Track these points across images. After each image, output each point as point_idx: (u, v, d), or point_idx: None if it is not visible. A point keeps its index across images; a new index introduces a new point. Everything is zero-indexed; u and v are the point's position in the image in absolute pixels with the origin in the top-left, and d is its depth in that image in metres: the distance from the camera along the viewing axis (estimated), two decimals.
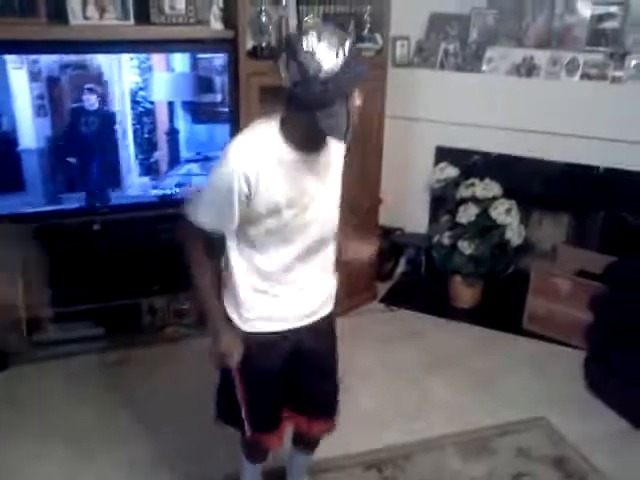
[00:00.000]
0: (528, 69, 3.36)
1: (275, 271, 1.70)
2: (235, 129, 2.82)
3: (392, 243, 3.87)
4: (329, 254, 1.80)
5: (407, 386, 2.92)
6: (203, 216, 1.62)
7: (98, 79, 2.80)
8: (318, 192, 1.65)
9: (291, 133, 1.55)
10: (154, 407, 2.73)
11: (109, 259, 3.07)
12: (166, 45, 2.83)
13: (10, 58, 2.62)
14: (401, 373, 3.01)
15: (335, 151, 1.69)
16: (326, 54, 1.39)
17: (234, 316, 1.77)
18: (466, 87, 3.54)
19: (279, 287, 1.73)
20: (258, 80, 2.84)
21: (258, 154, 1.54)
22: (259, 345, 1.76)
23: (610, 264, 2.89)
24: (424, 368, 3.06)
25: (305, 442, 2.10)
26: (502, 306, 3.58)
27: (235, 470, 2.22)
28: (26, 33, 2.59)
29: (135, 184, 3.02)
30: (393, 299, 3.72)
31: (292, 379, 1.87)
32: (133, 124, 2.91)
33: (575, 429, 2.63)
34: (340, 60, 1.40)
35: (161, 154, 3.03)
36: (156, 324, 3.31)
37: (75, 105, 2.81)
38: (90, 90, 2.80)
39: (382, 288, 3.80)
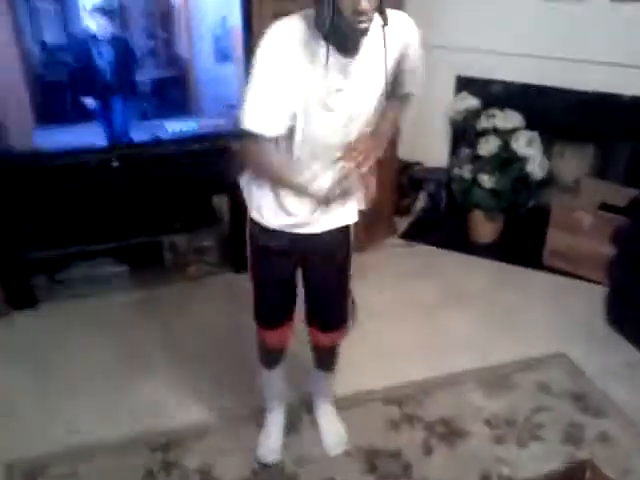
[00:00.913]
0: None
1: (295, 163, 1.68)
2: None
3: (411, 177, 3.81)
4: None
5: (427, 322, 2.93)
6: (251, 113, 1.54)
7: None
8: (347, 94, 1.58)
9: (322, 29, 1.45)
10: (181, 344, 2.78)
11: (129, 197, 3.06)
12: None
13: None
14: (420, 309, 3.02)
15: (377, 54, 1.56)
16: None
17: (251, 206, 1.81)
18: (487, 12, 3.39)
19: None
20: (272, 5, 2.71)
21: (291, 41, 1.49)
22: (270, 238, 1.81)
23: (635, 197, 2.82)
24: (444, 304, 3.06)
25: (319, 354, 2.17)
26: (522, 241, 3.54)
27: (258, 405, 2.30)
28: None
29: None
30: (412, 234, 3.69)
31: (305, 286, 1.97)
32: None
33: (594, 363, 2.64)
34: None
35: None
36: (178, 262, 3.33)
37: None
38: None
39: (401, 223, 3.77)
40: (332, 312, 2.04)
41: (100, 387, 2.54)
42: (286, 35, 1.49)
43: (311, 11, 1.48)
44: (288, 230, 1.80)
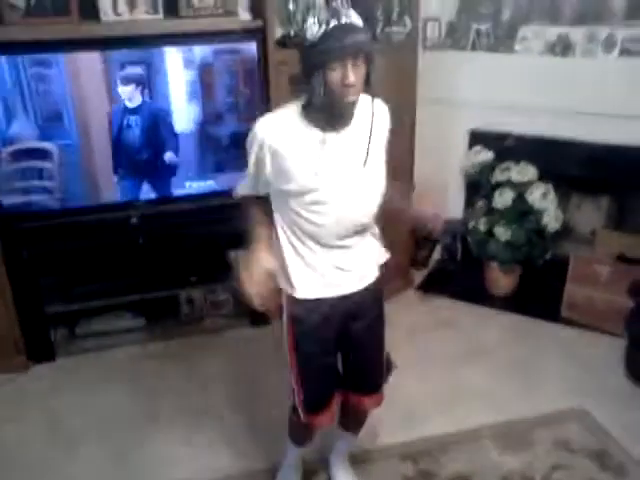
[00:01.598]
0: (563, 48, 3.25)
1: (313, 244, 1.74)
2: None
3: (427, 230, 3.81)
4: (369, 237, 1.84)
5: (443, 375, 2.90)
6: (243, 187, 1.81)
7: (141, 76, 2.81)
8: (346, 172, 1.67)
9: (311, 111, 1.61)
10: (196, 398, 2.79)
11: (147, 252, 3.12)
12: (195, 38, 2.81)
13: None
14: (437, 362, 2.99)
15: (367, 130, 1.68)
16: (311, 24, 1.49)
17: (284, 284, 1.81)
18: (499, 68, 3.46)
19: (316, 258, 1.76)
20: (287, 69, 2.80)
21: (282, 129, 1.63)
22: (308, 312, 1.80)
23: None
24: (460, 357, 3.03)
25: (353, 418, 2.14)
26: (540, 293, 3.51)
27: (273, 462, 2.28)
28: (58, 32, 2.60)
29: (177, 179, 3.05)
30: (429, 287, 3.68)
31: (342, 353, 1.94)
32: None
33: (615, 420, 2.57)
34: (320, 31, 1.47)
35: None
36: (195, 315, 3.36)
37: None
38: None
39: (417, 276, 3.77)
40: (374, 373, 2.01)
41: (112, 441, 2.55)
42: (274, 126, 1.65)
43: (300, 100, 1.63)
44: (322, 295, 1.80)
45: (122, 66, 2.76)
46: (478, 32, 3.51)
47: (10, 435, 2.60)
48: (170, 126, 2.91)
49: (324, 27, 1.47)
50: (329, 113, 1.60)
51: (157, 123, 2.90)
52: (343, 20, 1.48)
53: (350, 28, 1.49)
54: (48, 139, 2.76)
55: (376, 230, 1.88)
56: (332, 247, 1.74)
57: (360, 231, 1.77)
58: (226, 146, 3.01)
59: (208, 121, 2.96)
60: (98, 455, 2.47)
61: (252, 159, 1.70)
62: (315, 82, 1.52)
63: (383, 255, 1.92)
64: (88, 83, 2.75)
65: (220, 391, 2.82)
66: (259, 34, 2.82)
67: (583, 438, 2.50)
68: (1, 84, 2.61)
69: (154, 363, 3.04)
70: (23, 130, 2.71)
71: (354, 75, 1.50)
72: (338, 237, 1.73)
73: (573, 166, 3.41)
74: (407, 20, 3.20)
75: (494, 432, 2.54)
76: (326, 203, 1.67)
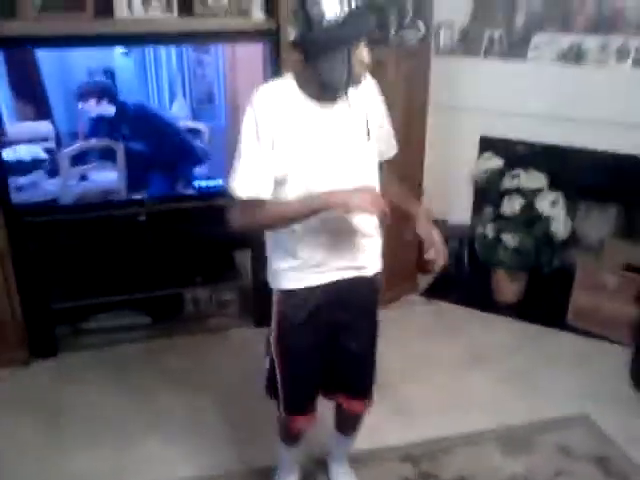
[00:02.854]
0: (576, 55, 3.25)
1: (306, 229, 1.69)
2: None
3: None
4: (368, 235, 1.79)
5: (447, 380, 2.89)
6: (242, 181, 1.62)
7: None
8: (342, 144, 1.67)
9: (304, 83, 1.62)
10: (197, 396, 2.79)
11: (154, 250, 3.14)
12: (209, 37, 2.83)
13: None
14: (441, 367, 2.99)
15: (364, 102, 1.71)
16: (330, 3, 1.48)
17: (271, 280, 1.82)
18: (511, 75, 3.46)
19: (310, 239, 1.71)
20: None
21: (277, 100, 1.62)
22: (296, 307, 1.79)
23: None
24: (465, 363, 3.03)
25: (346, 421, 2.13)
26: (546, 301, 3.50)
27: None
28: (72, 28, 2.63)
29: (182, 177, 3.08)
30: (434, 292, 3.68)
31: (329, 356, 1.90)
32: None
33: (619, 428, 2.56)
34: (343, 10, 1.48)
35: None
36: (199, 314, 3.37)
37: None
38: None
39: (423, 280, 3.77)
40: (365, 377, 1.98)
41: (111, 438, 2.54)
42: (269, 97, 1.62)
43: (298, 70, 1.63)
44: (310, 283, 1.76)
45: None
46: (491, 38, 3.51)
47: (7, 430, 2.59)
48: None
49: (346, 8, 1.49)
50: (323, 90, 1.61)
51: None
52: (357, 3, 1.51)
53: (365, 12, 1.54)
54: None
55: (377, 234, 1.84)
56: (323, 230, 1.70)
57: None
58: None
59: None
60: (96, 452, 2.46)
61: (251, 136, 1.60)
62: (337, 62, 1.53)
63: (379, 262, 1.87)
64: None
65: (222, 390, 2.82)
66: (273, 35, 2.84)
67: (586, 445, 2.49)
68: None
69: (157, 361, 3.04)
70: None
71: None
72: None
73: (582, 174, 3.41)
74: (420, 24, 3.22)
75: (496, 436, 2.53)
76: (321, 177, 1.64)
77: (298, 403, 1.94)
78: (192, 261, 3.28)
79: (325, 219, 1.65)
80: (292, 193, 1.64)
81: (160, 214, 3.06)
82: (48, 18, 2.59)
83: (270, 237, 1.79)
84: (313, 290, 1.77)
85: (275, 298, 1.82)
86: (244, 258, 3.34)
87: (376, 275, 1.87)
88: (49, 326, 3.07)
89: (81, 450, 2.48)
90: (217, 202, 3.06)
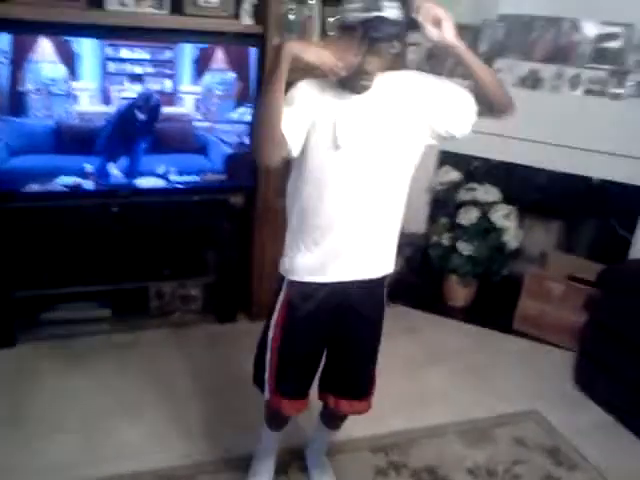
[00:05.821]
0: (533, 82, 3.53)
1: (323, 218, 1.77)
2: None
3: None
4: (388, 216, 1.85)
5: (407, 378, 3.05)
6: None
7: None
8: (375, 137, 1.73)
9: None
10: (160, 388, 2.81)
11: (123, 242, 3.15)
12: (198, 36, 2.90)
13: None
14: (400, 366, 3.13)
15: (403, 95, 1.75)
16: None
17: (283, 268, 1.88)
18: None
19: (324, 234, 1.78)
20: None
21: (317, 91, 1.70)
22: (303, 296, 1.85)
23: (604, 270, 3.07)
24: (421, 361, 3.21)
25: (331, 418, 2.22)
26: (494, 306, 3.75)
27: (241, 452, 2.36)
28: (64, 16, 2.64)
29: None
30: (390, 295, 3.81)
31: (328, 352, 1.97)
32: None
33: (565, 422, 2.81)
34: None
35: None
36: (163, 309, 3.37)
37: None
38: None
39: None
40: (361, 379, 2.03)
41: (74, 429, 2.52)
42: (311, 84, 1.72)
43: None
44: (323, 279, 1.83)
45: None
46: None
47: None
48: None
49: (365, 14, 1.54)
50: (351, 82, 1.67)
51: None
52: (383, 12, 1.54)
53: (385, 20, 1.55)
54: None
55: (394, 237, 1.91)
56: (339, 229, 1.77)
57: (373, 213, 1.80)
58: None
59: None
60: (60, 442, 2.43)
61: (291, 100, 1.67)
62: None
63: (392, 264, 1.93)
64: None
65: (186, 383, 2.84)
66: (259, 39, 2.94)
67: (538, 437, 2.72)
68: None
69: (118, 354, 3.02)
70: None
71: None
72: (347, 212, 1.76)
73: (530, 191, 3.70)
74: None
75: (458, 429, 2.72)
76: (344, 168, 1.72)
77: (290, 388, 1.96)
78: (161, 255, 3.29)
79: (342, 217, 1.76)
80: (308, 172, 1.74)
81: (134, 207, 3.06)
82: (42, 4, 2.59)
83: (291, 231, 1.87)
84: (323, 286, 1.85)
85: (285, 286, 1.89)
86: (211, 255, 3.40)
87: (385, 277, 1.94)
88: (10, 316, 3.00)
89: (43, 441, 2.44)
90: (191, 198, 3.15)
